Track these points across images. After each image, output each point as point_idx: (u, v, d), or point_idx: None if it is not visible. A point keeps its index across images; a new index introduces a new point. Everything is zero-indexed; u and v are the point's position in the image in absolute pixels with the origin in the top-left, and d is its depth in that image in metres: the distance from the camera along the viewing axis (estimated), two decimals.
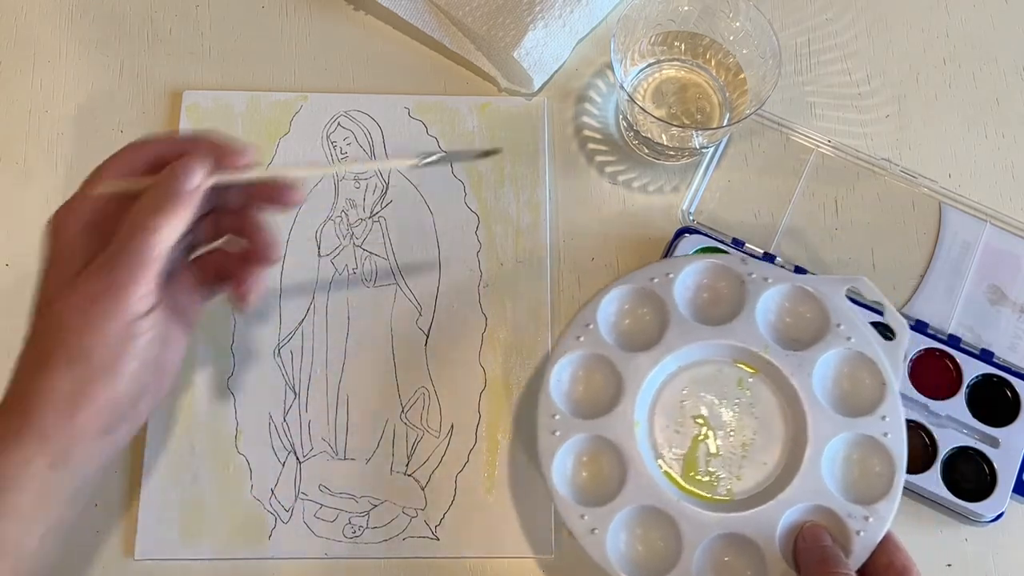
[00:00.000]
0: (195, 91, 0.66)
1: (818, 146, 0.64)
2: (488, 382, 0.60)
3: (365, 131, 0.65)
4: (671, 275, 0.55)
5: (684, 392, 0.55)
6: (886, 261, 0.62)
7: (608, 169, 0.65)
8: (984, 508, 0.56)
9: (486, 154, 0.53)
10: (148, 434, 0.58)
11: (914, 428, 0.58)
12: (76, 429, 0.43)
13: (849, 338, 0.53)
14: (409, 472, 0.58)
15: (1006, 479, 0.57)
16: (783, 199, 0.64)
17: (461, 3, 0.66)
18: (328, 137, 0.65)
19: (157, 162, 0.46)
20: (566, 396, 0.54)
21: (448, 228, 0.63)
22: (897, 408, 0.52)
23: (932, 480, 0.57)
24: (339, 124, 0.65)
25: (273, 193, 0.48)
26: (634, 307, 0.56)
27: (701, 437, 0.54)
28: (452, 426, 0.59)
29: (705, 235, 0.62)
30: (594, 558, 0.51)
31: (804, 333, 0.54)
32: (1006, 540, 0.58)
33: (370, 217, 0.63)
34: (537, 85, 0.66)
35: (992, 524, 0.57)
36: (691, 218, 0.63)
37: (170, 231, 0.44)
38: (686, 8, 0.63)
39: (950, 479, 0.57)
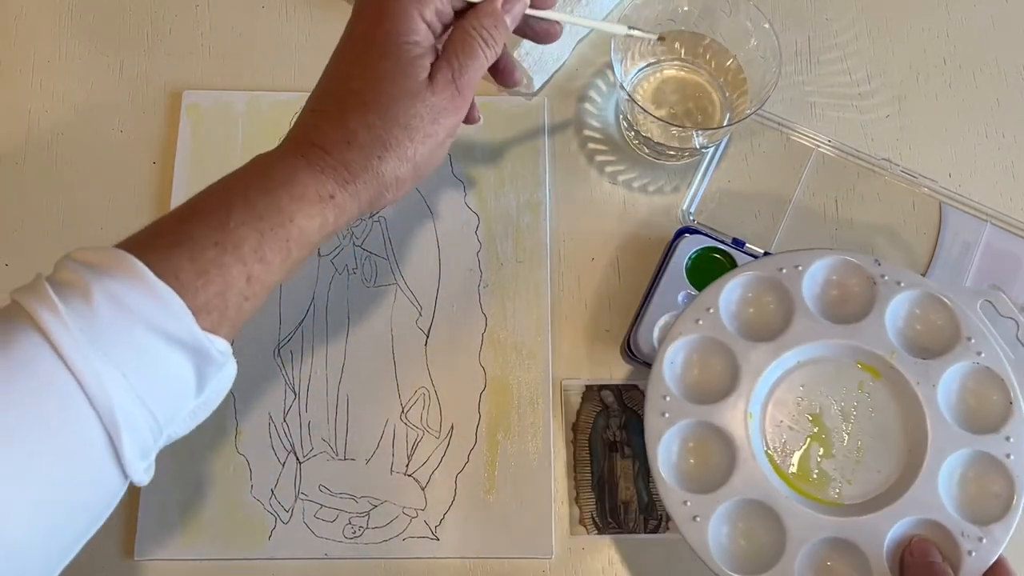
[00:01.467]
0: (195, 91, 0.66)
1: (818, 146, 0.64)
2: (488, 382, 0.60)
3: None
4: (800, 267, 0.54)
5: (801, 388, 0.53)
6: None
7: (608, 169, 0.65)
8: None
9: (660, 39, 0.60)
10: None
11: None
12: (365, 212, 0.47)
13: (979, 352, 0.52)
14: (409, 472, 0.58)
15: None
16: (783, 199, 0.64)
17: None
18: None
19: None
20: (679, 379, 0.53)
21: (448, 228, 0.63)
22: (1022, 429, 0.51)
23: None
24: None
25: (502, 71, 0.55)
26: (758, 296, 0.54)
27: (815, 436, 0.53)
28: (452, 426, 0.59)
29: (705, 235, 0.62)
30: (693, 546, 0.49)
31: (933, 343, 0.53)
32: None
33: (370, 217, 0.63)
34: (537, 85, 0.66)
35: None
36: (691, 218, 0.63)
37: (495, 57, 0.49)
38: (686, 8, 0.63)
39: None
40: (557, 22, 0.53)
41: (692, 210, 0.63)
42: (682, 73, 0.65)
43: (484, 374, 0.60)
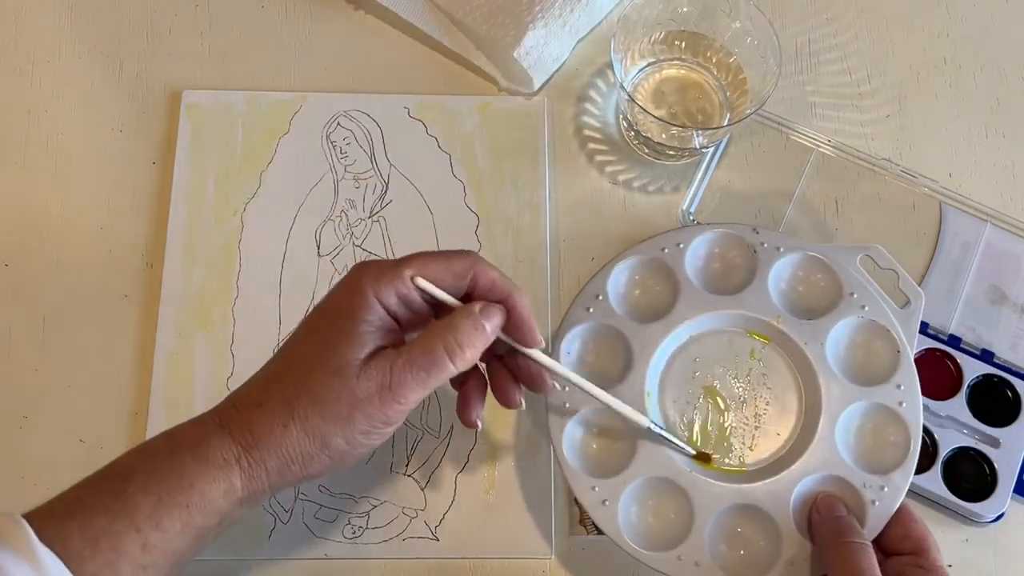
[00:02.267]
0: (195, 91, 0.66)
1: (818, 146, 0.64)
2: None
3: (365, 131, 0.65)
4: (681, 245, 0.55)
5: (695, 362, 0.54)
6: None
7: (608, 169, 0.65)
8: (984, 508, 0.56)
9: (698, 456, 0.52)
10: (148, 435, 0.58)
11: None
12: (277, 486, 0.44)
13: (863, 306, 0.53)
14: (409, 472, 0.58)
15: (1006, 479, 0.57)
16: (783, 199, 0.64)
17: (461, 3, 0.66)
18: (328, 137, 0.65)
19: (472, 288, 0.47)
20: (576, 368, 0.54)
21: (448, 228, 0.63)
22: (912, 376, 0.52)
23: (933, 480, 0.57)
24: (339, 124, 0.65)
25: (532, 376, 0.49)
26: (644, 278, 0.56)
27: (713, 407, 0.54)
28: (452, 426, 0.59)
29: None
30: (605, 530, 0.50)
31: (817, 302, 0.54)
32: (1006, 540, 0.58)
33: (370, 217, 0.63)
34: (537, 85, 0.66)
35: (992, 524, 0.57)
36: (691, 218, 0.63)
37: (463, 366, 0.45)
38: (686, 8, 0.63)
39: (951, 479, 0.57)
40: (554, 373, 0.49)
41: (692, 210, 0.63)
42: (682, 73, 0.65)
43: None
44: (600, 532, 0.56)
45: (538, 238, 0.63)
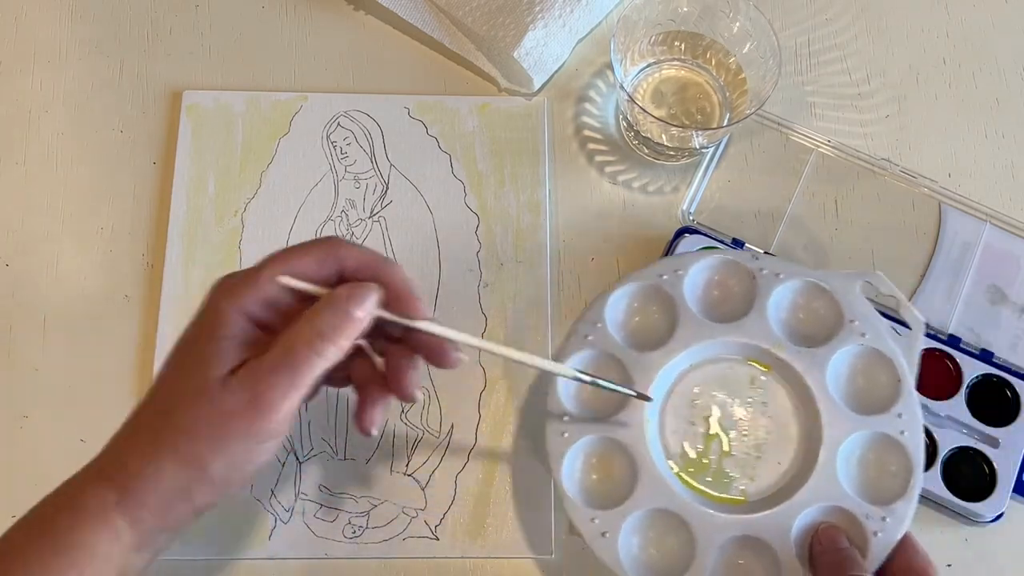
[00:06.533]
0: (195, 91, 0.66)
1: (818, 146, 0.64)
2: (488, 382, 0.60)
3: (365, 131, 0.65)
4: (680, 272, 0.54)
5: (696, 391, 0.54)
6: (886, 261, 0.62)
7: (608, 169, 0.65)
8: (984, 508, 0.56)
9: (640, 396, 0.51)
10: None
11: None
12: (171, 525, 0.42)
13: (864, 334, 0.52)
14: (409, 472, 0.58)
15: (1006, 479, 0.57)
16: (783, 199, 0.64)
17: (461, 3, 0.66)
18: (328, 137, 0.65)
19: (339, 271, 0.44)
20: (575, 396, 0.53)
21: (448, 228, 0.63)
22: (913, 405, 0.51)
23: (932, 480, 0.57)
24: (339, 124, 0.65)
25: (432, 350, 0.45)
26: (643, 305, 0.55)
27: (713, 437, 0.53)
28: (452, 426, 0.59)
29: (705, 235, 0.62)
30: (606, 562, 0.50)
31: (817, 330, 0.54)
32: (1006, 540, 0.58)
33: (370, 217, 0.63)
34: (537, 85, 0.66)
35: (992, 524, 0.57)
36: (691, 218, 0.63)
37: (333, 357, 0.42)
38: (686, 8, 0.63)
39: (950, 479, 0.57)
40: (453, 342, 0.45)
41: (692, 210, 0.63)
42: (682, 73, 0.65)
43: (484, 374, 0.60)
44: None
45: (538, 238, 0.63)
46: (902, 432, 0.51)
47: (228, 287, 0.43)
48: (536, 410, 0.53)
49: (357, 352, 0.46)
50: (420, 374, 0.46)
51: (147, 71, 0.67)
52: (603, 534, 0.50)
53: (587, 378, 0.49)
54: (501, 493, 0.57)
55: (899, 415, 0.51)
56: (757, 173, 0.65)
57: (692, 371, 0.54)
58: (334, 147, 0.64)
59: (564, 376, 0.50)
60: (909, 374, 0.52)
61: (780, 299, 0.54)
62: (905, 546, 0.49)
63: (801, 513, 0.50)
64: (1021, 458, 0.57)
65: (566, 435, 0.52)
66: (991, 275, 0.62)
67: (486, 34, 0.65)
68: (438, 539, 0.57)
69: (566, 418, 0.52)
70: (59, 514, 0.41)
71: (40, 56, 0.67)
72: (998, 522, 0.57)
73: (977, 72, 0.68)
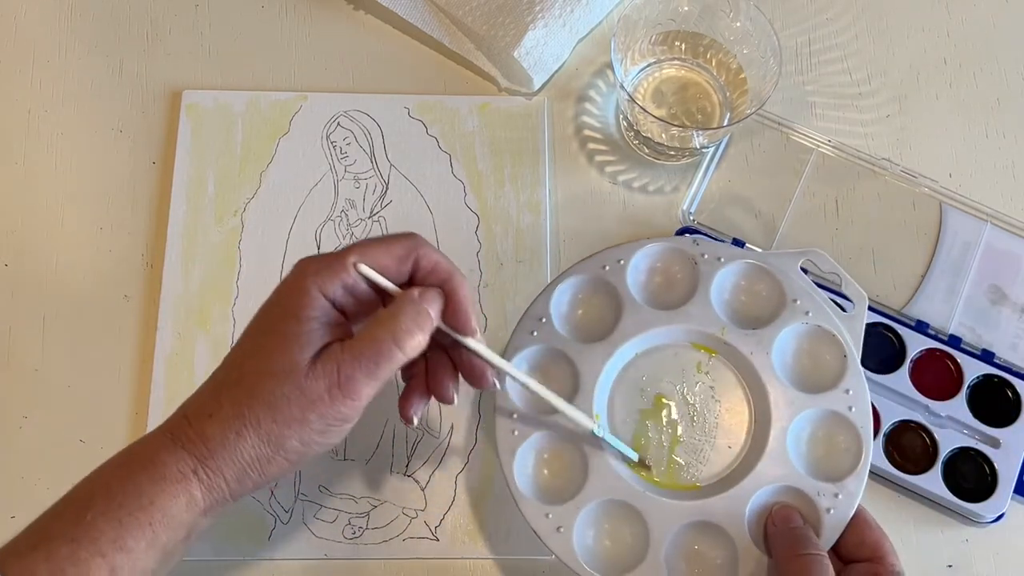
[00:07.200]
0: (195, 91, 0.66)
1: (818, 146, 0.64)
2: None
3: (365, 131, 0.65)
4: (622, 261, 0.54)
5: (643, 380, 0.54)
6: (886, 261, 0.62)
7: (608, 169, 0.65)
8: (985, 509, 0.56)
9: (640, 464, 0.52)
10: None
11: (915, 428, 0.58)
12: (238, 493, 0.44)
13: (807, 312, 0.53)
14: (409, 472, 0.58)
15: (1007, 479, 0.57)
16: (783, 199, 0.64)
17: (461, 3, 0.66)
18: (328, 137, 0.65)
19: (413, 271, 0.46)
20: (523, 393, 0.53)
21: (448, 228, 0.63)
22: (860, 380, 0.51)
23: (933, 481, 0.57)
24: (339, 124, 0.65)
25: (472, 369, 0.48)
26: (587, 297, 0.55)
27: (663, 425, 0.53)
28: (452, 426, 0.59)
29: (705, 235, 0.62)
30: (561, 557, 0.50)
31: (761, 311, 0.54)
32: (1007, 540, 0.58)
33: (370, 217, 0.63)
34: (537, 85, 0.66)
35: (993, 525, 0.57)
36: (691, 218, 0.63)
37: (412, 353, 0.44)
38: (686, 8, 0.63)
39: (951, 480, 0.57)
40: (495, 368, 0.47)
41: (692, 210, 0.63)
42: (682, 73, 0.65)
43: None
44: None
45: (538, 238, 0.63)
46: (850, 408, 0.51)
47: (314, 270, 0.44)
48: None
49: None
50: (459, 381, 0.48)
51: (147, 71, 0.67)
52: (558, 529, 0.50)
53: (606, 438, 0.50)
54: (501, 493, 0.57)
55: (847, 391, 0.51)
56: (757, 173, 0.65)
57: (639, 360, 0.54)
58: (334, 147, 0.64)
59: (586, 428, 0.50)
60: (854, 349, 0.52)
61: (723, 283, 0.54)
62: (858, 521, 0.49)
63: (754, 495, 0.50)
64: (1022, 459, 0.57)
65: (516, 432, 0.52)
66: (992, 275, 0.62)
67: (486, 34, 0.65)
68: (438, 540, 0.57)
69: (515, 415, 0.52)
70: (137, 476, 0.43)
71: (39, 56, 0.67)
72: (999, 522, 0.57)
73: (978, 72, 0.68)
